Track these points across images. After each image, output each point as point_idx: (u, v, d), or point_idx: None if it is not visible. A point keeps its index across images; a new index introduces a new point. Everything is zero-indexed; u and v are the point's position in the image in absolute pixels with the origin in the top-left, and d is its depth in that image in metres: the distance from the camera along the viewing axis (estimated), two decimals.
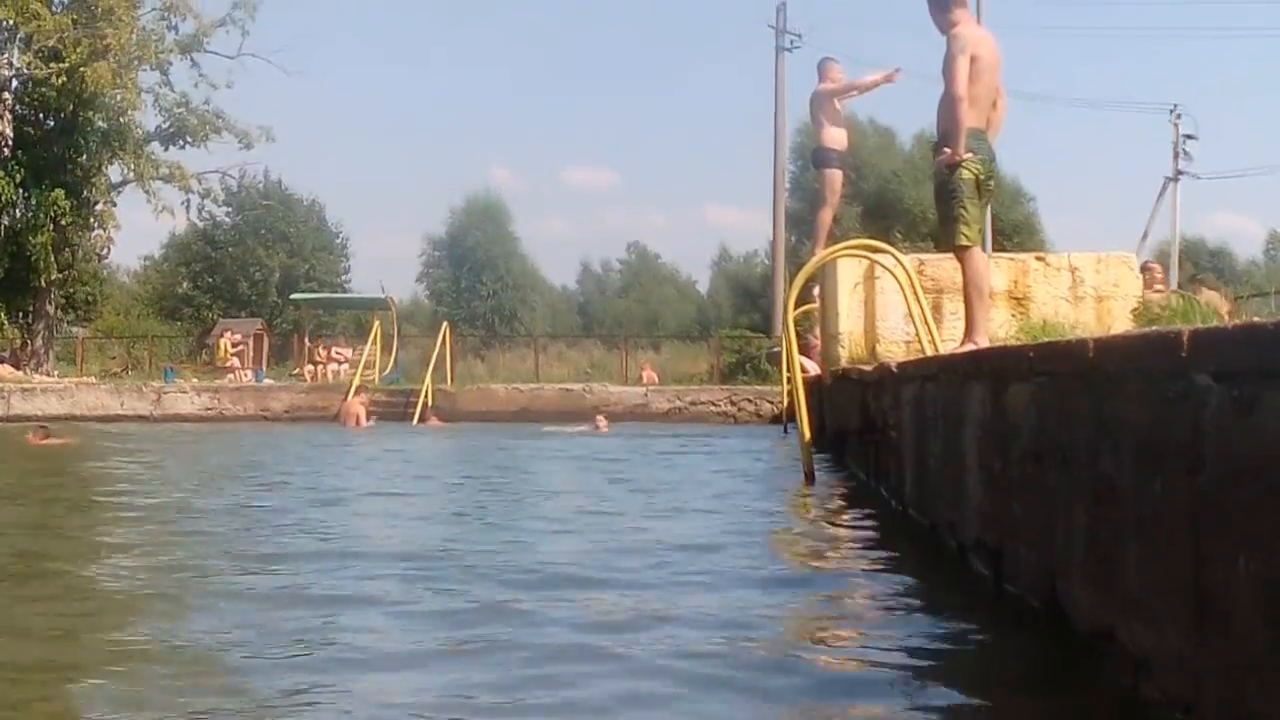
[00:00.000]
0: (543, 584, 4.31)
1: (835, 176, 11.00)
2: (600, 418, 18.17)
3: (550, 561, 4.84)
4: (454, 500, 8.04)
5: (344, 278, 45.89)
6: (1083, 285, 10.61)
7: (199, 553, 5.21)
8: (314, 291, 38.74)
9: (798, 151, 37.30)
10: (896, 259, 9.44)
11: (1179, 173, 36.44)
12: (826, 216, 11.08)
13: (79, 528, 6.41)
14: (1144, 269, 12.05)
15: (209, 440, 15.73)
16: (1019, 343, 5.37)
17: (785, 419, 13.43)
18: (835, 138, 11.00)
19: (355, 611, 3.85)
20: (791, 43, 33.35)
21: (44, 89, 28.38)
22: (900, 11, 73.27)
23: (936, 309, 9.76)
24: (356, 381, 22.22)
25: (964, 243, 6.20)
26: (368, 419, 19.81)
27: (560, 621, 3.65)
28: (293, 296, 35.48)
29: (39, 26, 27.40)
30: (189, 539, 5.71)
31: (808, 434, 8.76)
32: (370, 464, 11.71)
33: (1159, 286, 12.46)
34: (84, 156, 29.36)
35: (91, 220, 30.30)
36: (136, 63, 28.69)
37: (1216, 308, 8.81)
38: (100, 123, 29.42)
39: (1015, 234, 36.54)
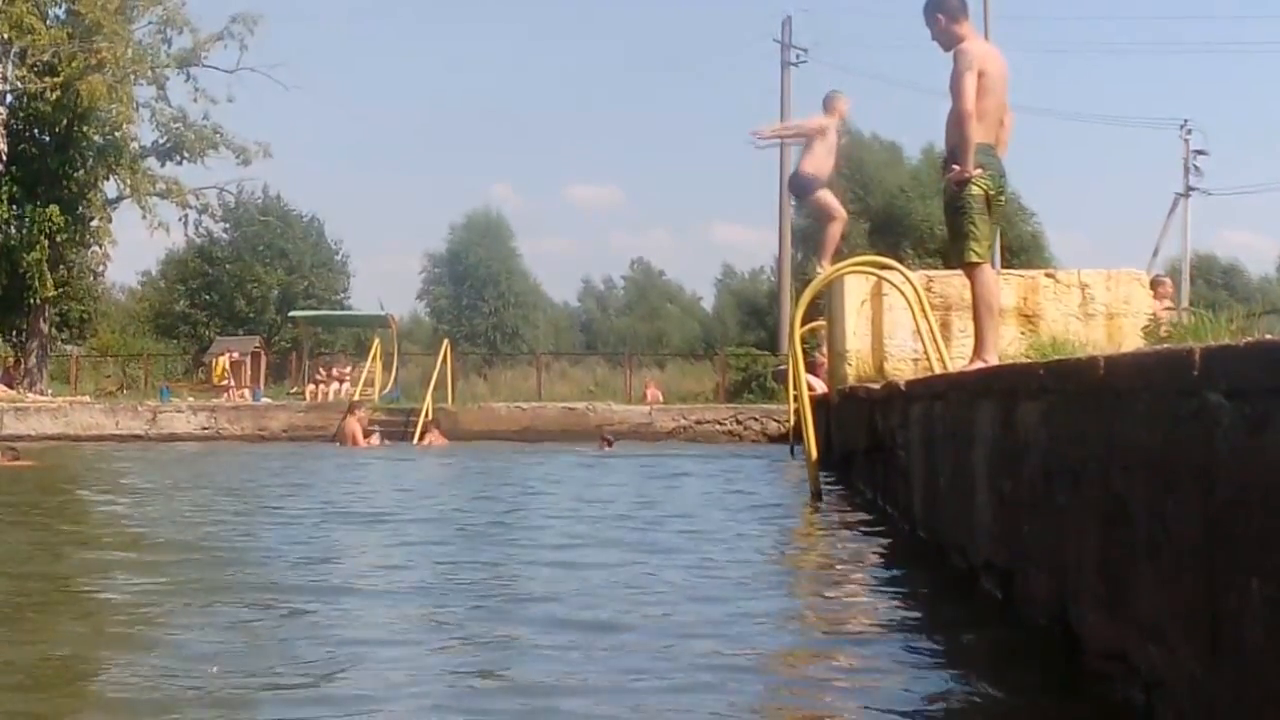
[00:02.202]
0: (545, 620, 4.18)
1: (826, 194, 10.62)
2: (606, 436, 18.10)
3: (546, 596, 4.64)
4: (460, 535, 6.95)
5: (343, 295, 45.58)
6: (1093, 302, 10.60)
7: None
8: (313, 309, 38.51)
9: None
10: (904, 275, 9.44)
11: (1190, 189, 36.44)
12: (835, 231, 10.74)
13: None
14: (1154, 283, 12.00)
15: (198, 462, 14.83)
16: (1029, 360, 5.33)
17: (792, 438, 13.37)
18: (819, 165, 10.45)
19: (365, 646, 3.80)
20: (797, 57, 33.55)
21: (38, 103, 28.01)
22: (905, 26, 73.50)
23: (945, 326, 9.75)
24: (355, 399, 21.94)
25: (974, 259, 6.18)
26: (375, 438, 19.67)
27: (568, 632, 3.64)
28: (291, 314, 35.27)
29: (33, 40, 27.12)
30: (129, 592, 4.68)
31: (814, 453, 8.73)
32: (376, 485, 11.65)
33: (1168, 303, 12.39)
34: (79, 172, 28.91)
35: (87, 237, 29.89)
36: (132, 77, 28.36)
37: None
38: (96, 138, 29.07)
39: (1022, 251, 36.35)
